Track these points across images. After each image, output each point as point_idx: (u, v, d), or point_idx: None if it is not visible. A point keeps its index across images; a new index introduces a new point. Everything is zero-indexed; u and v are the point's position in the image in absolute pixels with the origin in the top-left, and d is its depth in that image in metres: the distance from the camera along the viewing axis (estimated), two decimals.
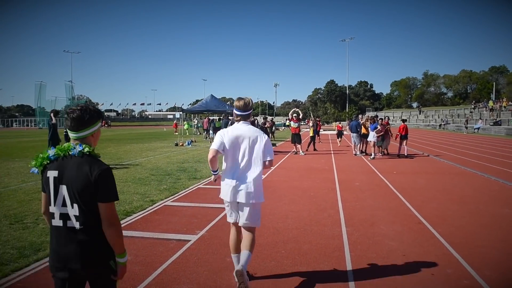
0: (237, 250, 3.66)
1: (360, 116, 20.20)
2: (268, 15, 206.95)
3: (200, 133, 38.32)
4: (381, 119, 17.02)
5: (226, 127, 16.99)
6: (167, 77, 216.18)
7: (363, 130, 16.45)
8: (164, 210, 6.65)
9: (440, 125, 53.05)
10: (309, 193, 8.34)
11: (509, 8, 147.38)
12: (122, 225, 5.47)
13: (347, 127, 22.96)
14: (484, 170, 11.81)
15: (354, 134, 16.48)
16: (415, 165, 13.57)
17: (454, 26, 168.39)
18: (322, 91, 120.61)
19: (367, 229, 5.56)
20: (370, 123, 16.02)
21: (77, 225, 2.07)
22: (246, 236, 3.58)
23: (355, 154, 16.45)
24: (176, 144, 22.24)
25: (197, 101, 59.80)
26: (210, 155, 3.51)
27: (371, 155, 15.29)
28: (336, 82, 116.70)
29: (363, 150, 17.13)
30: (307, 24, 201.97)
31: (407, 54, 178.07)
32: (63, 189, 2.08)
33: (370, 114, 55.08)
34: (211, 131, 25.35)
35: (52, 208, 2.12)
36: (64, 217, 2.09)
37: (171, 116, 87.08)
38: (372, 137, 15.55)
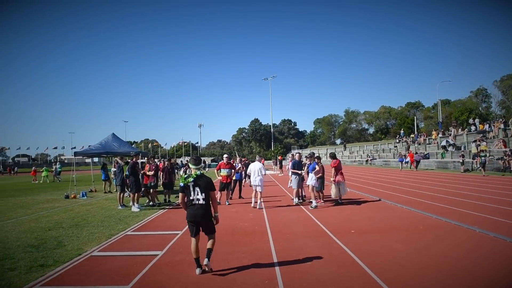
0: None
1: (297, 154, 16.22)
2: (191, 54, 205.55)
3: (60, 181, 33.08)
4: (333, 154, 13.62)
5: (133, 172, 12.93)
6: (87, 119, 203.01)
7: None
8: None
9: (366, 161, 52.53)
10: None
11: (420, 48, 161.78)
12: None
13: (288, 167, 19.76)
14: (463, 220, 8.97)
15: (297, 177, 13.08)
16: (372, 216, 10.22)
17: (371, 63, 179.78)
18: (246, 130, 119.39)
19: None
20: (309, 162, 12.84)
21: (202, 201, 5.41)
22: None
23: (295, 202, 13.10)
24: (67, 197, 17.34)
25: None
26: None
27: (311, 202, 12.04)
28: (260, 121, 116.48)
29: (301, 196, 13.86)
30: (230, 63, 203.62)
31: (329, 92, 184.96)
32: (197, 188, 5.44)
33: (296, 151, 52.94)
34: (113, 176, 19.13)
35: (191, 197, 5.43)
36: (197, 199, 5.41)
37: (89, 160, 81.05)
38: (311, 180, 12.34)
